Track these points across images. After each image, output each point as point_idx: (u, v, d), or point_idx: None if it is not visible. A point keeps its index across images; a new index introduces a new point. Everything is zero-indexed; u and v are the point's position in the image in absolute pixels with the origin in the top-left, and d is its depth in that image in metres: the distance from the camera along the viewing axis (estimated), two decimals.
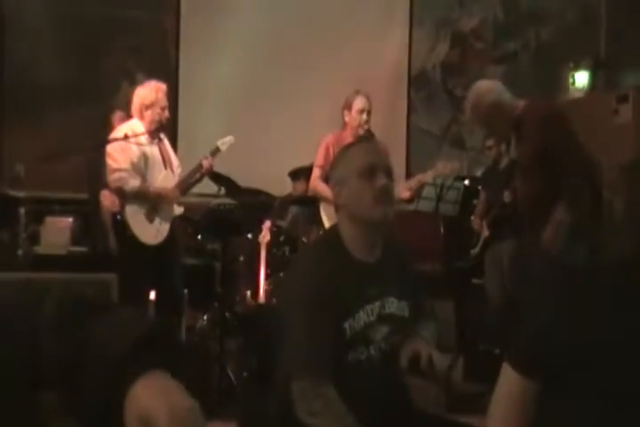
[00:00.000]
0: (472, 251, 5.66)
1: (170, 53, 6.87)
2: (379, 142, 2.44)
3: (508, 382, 1.48)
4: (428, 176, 4.79)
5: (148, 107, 4.35)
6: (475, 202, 6.07)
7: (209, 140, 6.52)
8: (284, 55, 6.80)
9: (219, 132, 6.71)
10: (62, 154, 4.42)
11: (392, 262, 2.23)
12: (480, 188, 5.83)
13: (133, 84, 6.71)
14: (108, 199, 4.75)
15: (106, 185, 4.66)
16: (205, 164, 4.53)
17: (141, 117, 4.36)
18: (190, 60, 6.83)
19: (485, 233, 5.57)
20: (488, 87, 3.93)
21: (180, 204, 4.54)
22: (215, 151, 4.62)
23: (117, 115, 5.27)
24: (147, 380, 0.84)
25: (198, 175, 4.58)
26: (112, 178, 4.24)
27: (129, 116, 5.23)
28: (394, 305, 2.19)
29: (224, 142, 4.65)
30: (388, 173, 2.14)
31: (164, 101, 4.40)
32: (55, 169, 5.27)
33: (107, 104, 6.41)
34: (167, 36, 6.90)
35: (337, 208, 2.24)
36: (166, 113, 4.43)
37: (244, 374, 4.03)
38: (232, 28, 6.85)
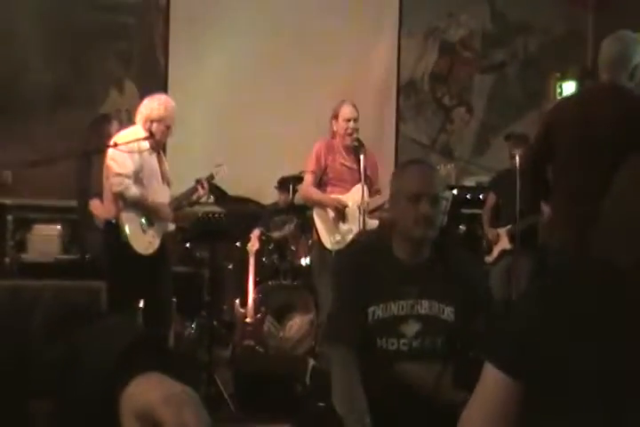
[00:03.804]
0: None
1: (159, 61, 6.87)
2: (431, 166, 2.75)
3: (491, 383, 1.42)
4: None
5: (153, 121, 4.32)
6: (463, 211, 6.10)
7: (198, 148, 6.59)
8: (272, 65, 6.79)
9: (207, 140, 6.76)
10: (50, 160, 4.39)
11: (442, 269, 2.47)
12: (491, 193, 5.83)
13: (122, 91, 6.74)
14: (97, 208, 4.74)
15: (96, 193, 4.65)
16: (201, 191, 4.57)
17: (145, 128, 4.33)
18: (179, 68, 6.82)
19: (506, 245, 5.54)
20: None
21: (172, 220, 4.54)
22: (210, 178, 4.65)
23: (114, 125, 5.23)
24: (140, 379, 0.84)
25: (194, 198, 4.62)
26: (114, 181, 4.19)
27: (120, 124, 5.25)
28: (432, 308, 2.42)
29: (218, 172, 4.68)
30: (434, 199, 2.43)
31: (170, 120, 4.35)
32: (43, 176, 5.26)
33: (95, 111, 6.41)
34: (156, 44, 6.89)
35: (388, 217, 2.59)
36: (171, 131, 4.41)
37: None
38: (221, 36, 6.84)
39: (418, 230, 2.42)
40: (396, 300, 2.40)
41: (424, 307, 2.41)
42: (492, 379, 1.42)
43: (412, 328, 2.40)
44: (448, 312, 2.42)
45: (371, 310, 2.40)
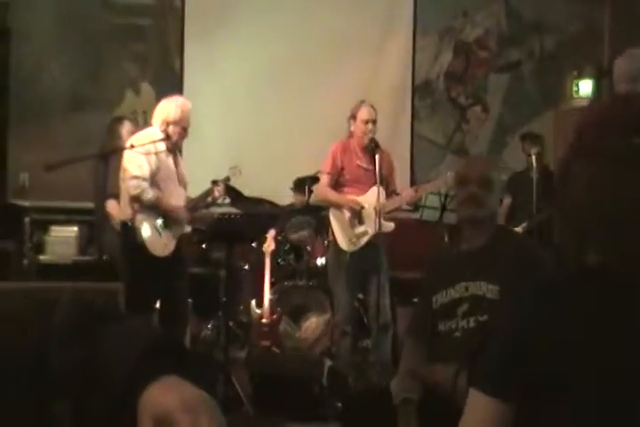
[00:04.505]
0: None
1: (174, 63, 6.90)
2: (481, 155, 3.04)
3: (482, 409, 1.34)
4: (437, 185, 4.81)
5: (170, 123, 4.33)
6: None
7: (214, 150, 6.61)
8: (288, 66, 6.80)
9: (223, 141, 6.79)
10: (67, 162, 4.41)
11: (498, 253, 2.56)
12: (506, 195, 5.78)
13: (138, 93, 6.78)
14: (114, 209, 4.76)
15: (112, 194, 4.67)
16: (216, 193, 4.59)
17: (161, 130, 4.34)
18: (195, 69, 6.85)
19: None
20: None
21: (188, 222, 4.55)
22: (226, 179, 4.67)
23: (126, 127, 5.25)
24: (159, 382, 0.86)
25: (211, 200, 4.64)
26: (131, 184, 4.20)
27: (135, 126, 5.27)
28: (481, 288, 2.52)
29: (233, 173, 4.70)
30: (481, 181, 2.58)
31: (187, 122, 4.36)
32: (60, 178, 5.29)
33: (111, 113, 6.45)
34: (171, 45, 6.93)
35: None
36: (186, 134, 4.42)
37: None
38: (236, 37, 6.86)
39: (465, 210, 2.59)
40: (454, 284, 2.54)
41: (475, 288, 2.52)
42: (481, 404, 1.35)
43: (462, 309, 2.52)
44: (495, 291, 2.49)
45: (434, 298, 2.57)
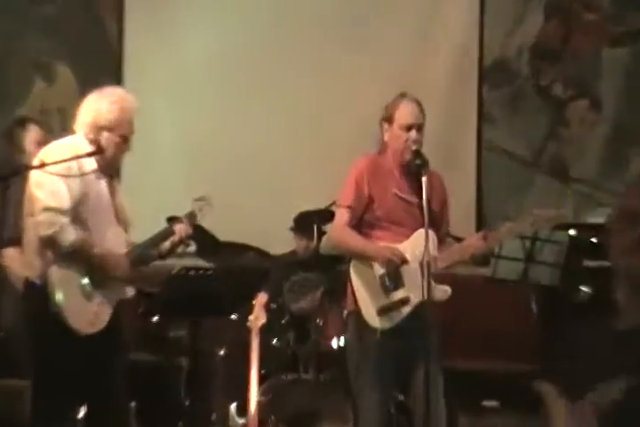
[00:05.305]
0: None
1: (108, 33, 7.01)
2: None
3: None
4: (520, 228, 4.83)
5: (102, 128, 4.41)
6: (586, 264, 6.12)
7: (170, 172, 6.71)
8: (283, 50, 7.02)
9: (183, 158, 6.89)
10: None
11: None
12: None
13: (52, 80, 6.90)
14: (14, 261, 4.86)
15: (11, 238, 4.77)
16: (179, 230, 4.65)
17: (89, 139, 4.42)
18: (140, 44, 7.02)
19: None
20: None
21: (132, 281, 4.61)
22: (191, 217, 4.75)
23: (31, 133, 5.36)
24: None
25: (167, 246, 4.69)
26: (42, 220, 4.25)
27: (47, 132, 5.38)
28: None
29: (200, 208, 4.79)
30: None
31: (128, 127, 4.46)
32: None
33: (10, 112, 6.56)
34: (103, 9, 7.04)
35: None
36: (128, 146, 4.49)
37: None
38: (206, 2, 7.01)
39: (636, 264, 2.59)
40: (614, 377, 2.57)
41: None
42: None
43: None
44: None
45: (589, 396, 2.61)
